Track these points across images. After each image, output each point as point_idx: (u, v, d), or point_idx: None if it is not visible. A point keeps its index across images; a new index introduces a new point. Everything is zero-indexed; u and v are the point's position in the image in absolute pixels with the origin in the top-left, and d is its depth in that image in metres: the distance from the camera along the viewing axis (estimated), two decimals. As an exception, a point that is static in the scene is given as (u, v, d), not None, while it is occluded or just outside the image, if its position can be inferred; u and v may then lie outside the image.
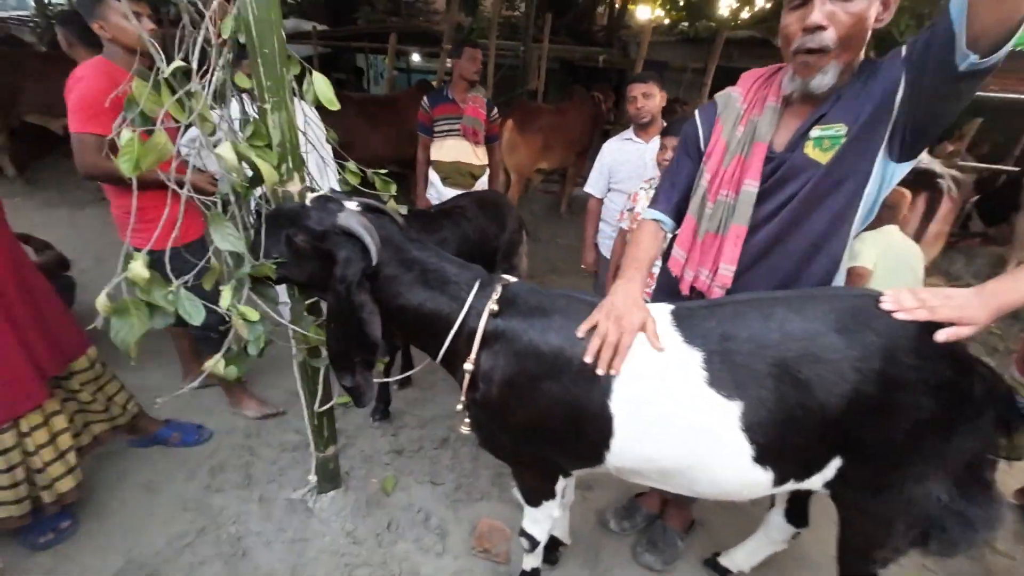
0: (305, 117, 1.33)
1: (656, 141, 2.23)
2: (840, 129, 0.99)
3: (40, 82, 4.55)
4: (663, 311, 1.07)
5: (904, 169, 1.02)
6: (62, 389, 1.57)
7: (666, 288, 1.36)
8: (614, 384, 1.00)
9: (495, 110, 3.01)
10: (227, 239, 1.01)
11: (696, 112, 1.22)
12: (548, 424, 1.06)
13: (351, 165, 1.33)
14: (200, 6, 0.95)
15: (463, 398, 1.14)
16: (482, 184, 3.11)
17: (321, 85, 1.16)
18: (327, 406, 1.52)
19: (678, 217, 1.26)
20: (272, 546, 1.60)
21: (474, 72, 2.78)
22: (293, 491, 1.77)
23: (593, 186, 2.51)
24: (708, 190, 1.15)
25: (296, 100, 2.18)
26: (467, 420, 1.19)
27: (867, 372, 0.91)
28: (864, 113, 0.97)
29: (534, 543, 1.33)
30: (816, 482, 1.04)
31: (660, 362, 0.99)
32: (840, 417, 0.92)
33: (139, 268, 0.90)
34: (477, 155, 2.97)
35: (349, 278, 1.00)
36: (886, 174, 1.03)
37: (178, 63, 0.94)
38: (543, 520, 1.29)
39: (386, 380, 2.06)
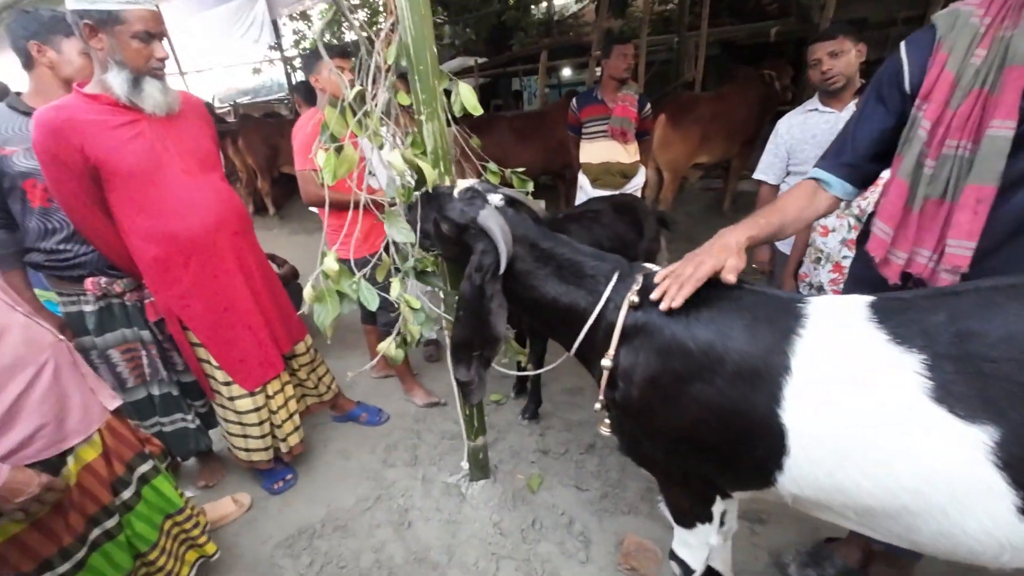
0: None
1: (851, 109, 1.82)
2: None
3: (290, 142, 6.06)
4: (856, 304, 0.84)
5: None
6: (287, 369, 1.99)
7: (864, 280, 1.08)
8: (786, 389, 0.81)
9: (648, 106, 2.86)
10: (401, 232, 1.16)
11: (902, 44, 0.94)
12: (699, 434, 0.92)
13: (491, 166, 1.40)
14: (372, 37, 1.13)
15: (601, 397, 1.08)
16: (636, 183, 2.98)
17: (466, 94, 1.25)
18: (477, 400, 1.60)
19: (855, 179, 1.01)
20: (430, 523, 1.76)
21: (624, 69, 2.68)
22: (449, 475, 1.92)
23: (766, 171, 2.16)
24: (927, 143, 0.87)
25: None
26: (607, 421, 1.13)
27: None
28: None
29: (687, 570, 1.17)
30: None
31: (855, 366, 0.77)
32: None
33: (330, 262, 1.09)
34: (628, 152, 2.86)
35: (484, 270, 1.04)
36: None
37: (358, 88, 1.12)
38: (697, 546, 1.13)
39: (524, 374, 2.10)
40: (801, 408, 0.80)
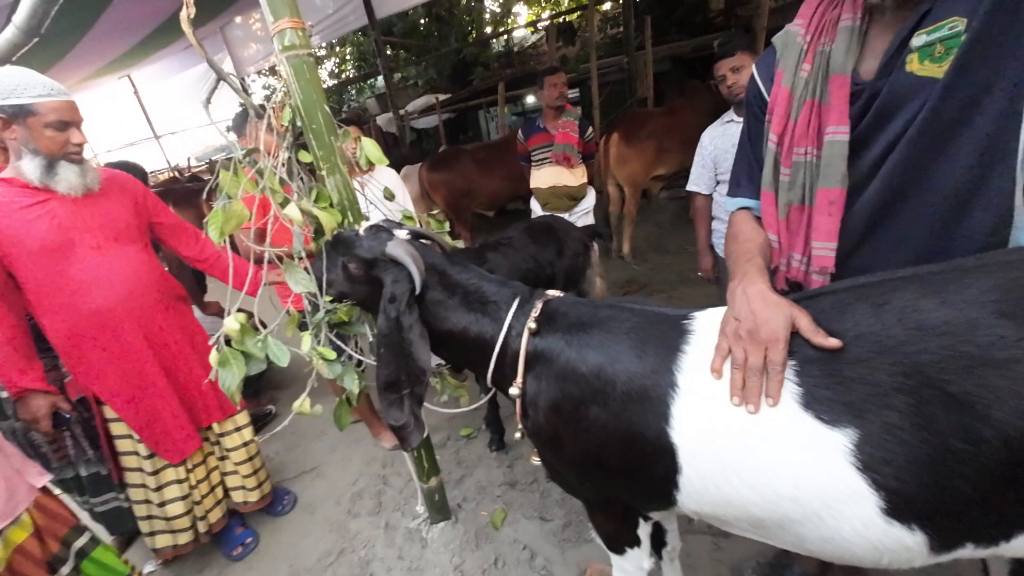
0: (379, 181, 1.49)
1: None
2: (956, 24, 0.68)
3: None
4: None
5: None
6: (220, 446, 1.85)
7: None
8: (673, 408, 0.82)
9: (590, 130, 2.96)
10: (300, 283, 1.17)
11: (754, 66, 0.99)
12: (603, 457, 0.92)
13: (407, 211, 1.43)
14: (261, 104, 1.17)
15: (519, 426, 1.08)
16: (585, 205, 3.04)
17: (370, 147, 1.29)
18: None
19: None
20: (392, 573, 1.71)
21: (556, 97, 2.80)
22: (412, 520, 1.88)
23: (697, 183, 2.23)
24: (779, 153, 0.91)
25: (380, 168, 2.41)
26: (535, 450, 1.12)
27: None
28: None
29: (631, 598, 1.14)
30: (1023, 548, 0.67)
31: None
32: None
33: (231, 323, 1.09)
34: (575, 176, 2.93)
35: (398, 300, 1.04)
36: None
37: (249, 147, 1.16)
38: (633, 571, 1.10)
39: (460, 410, 2.07)
40: (688, 425, 0.80)
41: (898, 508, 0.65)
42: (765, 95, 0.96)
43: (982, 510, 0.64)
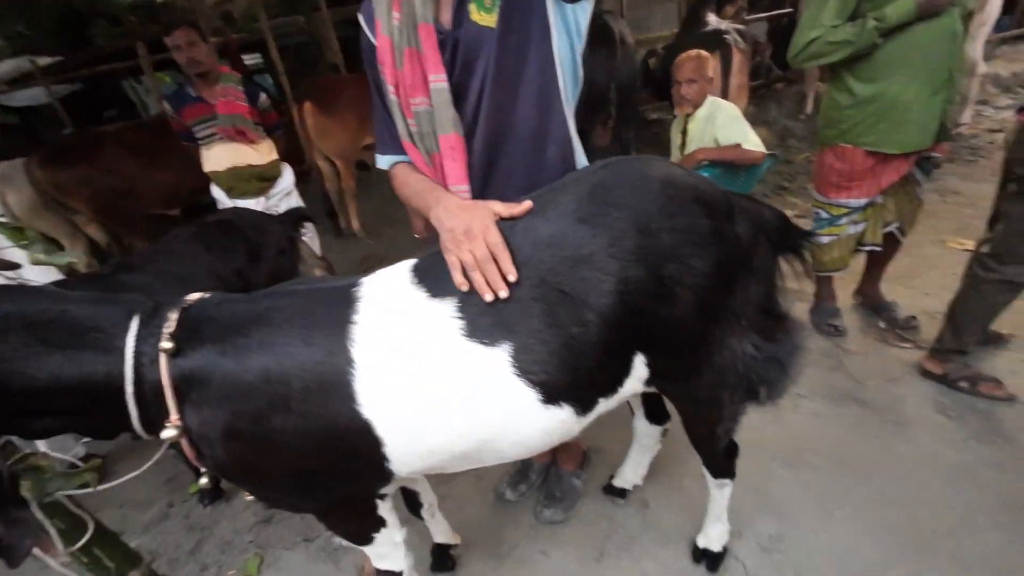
0: None
1: None
2: (495, -23, 0.79)
3: None
4: (402, 270, 0.87)
5: (586, 9, 0.85)
6: None
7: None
8: (356, 385, 0.77)
9: (263, 96, 2.52)
10: None
11: (360, 15, 0.95)
12: (306, 465, 0.82)
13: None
14: None
15: (203, 471, 0.86)
16: (283, 186, 2.66)
17: None
18: (83, 540, 1.14)
19: None
20: None
21: (189, 61, 2.20)
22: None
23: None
24: (400, 104, 0.91)
25: None
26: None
27: (624, 255, 0.77)
28: None
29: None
30: (634, 387, 0.92)
31: (408, 334, 0.79)
32: (622, 315, 0.78)
33: None
34: (260, 152, 2.50)
35: None
36: (568, 20, 0.86)
37: None
38: (389, 551, 1.07)
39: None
40: (374, 396, 0.77)
41: (550, 395, 0.79)
42: (375, 43, 0.93)
43: (601, 373, 0.83)
